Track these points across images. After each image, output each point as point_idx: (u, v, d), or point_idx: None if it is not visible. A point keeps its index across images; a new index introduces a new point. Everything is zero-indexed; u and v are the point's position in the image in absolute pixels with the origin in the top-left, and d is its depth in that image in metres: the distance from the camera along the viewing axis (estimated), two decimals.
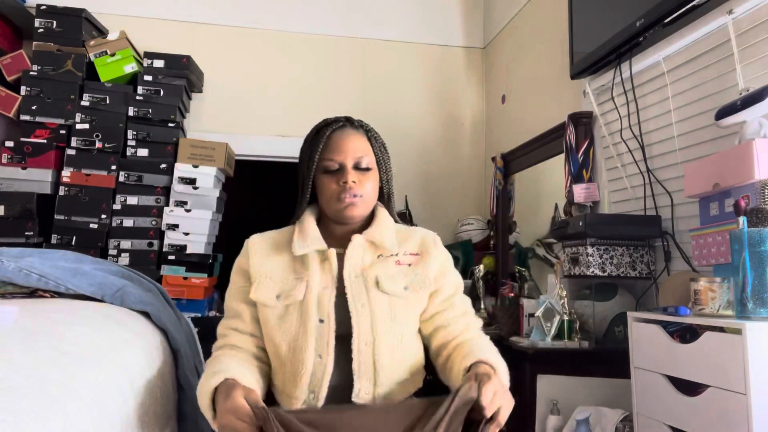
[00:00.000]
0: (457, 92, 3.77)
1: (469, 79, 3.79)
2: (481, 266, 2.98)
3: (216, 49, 3.43)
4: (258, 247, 1.26)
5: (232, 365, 1.09)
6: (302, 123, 1.45)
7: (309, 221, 1.25)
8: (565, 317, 2.08)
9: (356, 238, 1.22)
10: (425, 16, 3.75)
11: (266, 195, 4.63)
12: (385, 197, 1.32)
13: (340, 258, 1.21)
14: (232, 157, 3.19)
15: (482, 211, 3.57)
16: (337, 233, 1.26)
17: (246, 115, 3.44)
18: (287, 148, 3.35)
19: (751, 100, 1.46)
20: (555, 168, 2.67)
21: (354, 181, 1.20)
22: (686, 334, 1.44)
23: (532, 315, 2.23)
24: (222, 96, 3.41)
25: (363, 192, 1.21)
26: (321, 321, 1.14)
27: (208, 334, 1.45)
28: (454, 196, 3.66)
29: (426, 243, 1.27)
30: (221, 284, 2.96)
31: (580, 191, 2.37)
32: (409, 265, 1.22)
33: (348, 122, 1.27)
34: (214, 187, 2.97)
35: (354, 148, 1.22)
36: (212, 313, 2.97)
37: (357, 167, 1.22)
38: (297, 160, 1.32)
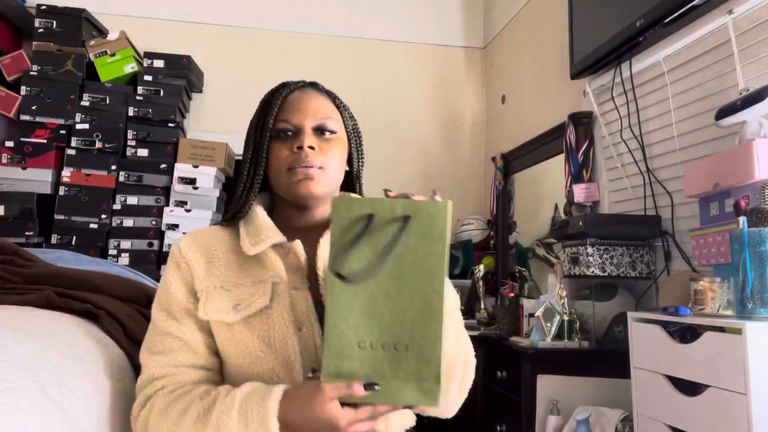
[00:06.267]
0: (457, 92, 3.77)
1: (469, 79, 3.79)
2: (481, 266, 2.99)
3: (216, 49, 3.43)
4: (197, 251, 0.97)
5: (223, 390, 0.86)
6: None
7: (258, 211, 0.99)
8: (565, 317, 2.08)
9: None
10: (425, 16, 3.75)
11: None
12: (354, 178, 1.08)
13: (309, 253, 0.97)
14: (232, 157, 3.19)
15: (482, 211, 3.57)
16: (296, 224, 1.02)
17: (246, 115, 3.37)
18: None
19: (751, 100, 1.46)
20: (555, 168, 2.67)
21: (312, 147, 0.96)
22: (686, 334, 1.44)
23: (532, 315, 2.23)
24: (222, 96, 3.41)
25: (325, 162, 0.96)
26: (300, 330, 0.91)
27: None
28: (454, 197, 3.66)
29: None
30: None
31: (580, 191, 2.37)
32: None
33: (311, 85, 1.05)
34: (214, 187, 2.97)
35: (315, 109, 0.99)
36: None
37: (319, 131, 0.98)
38: None
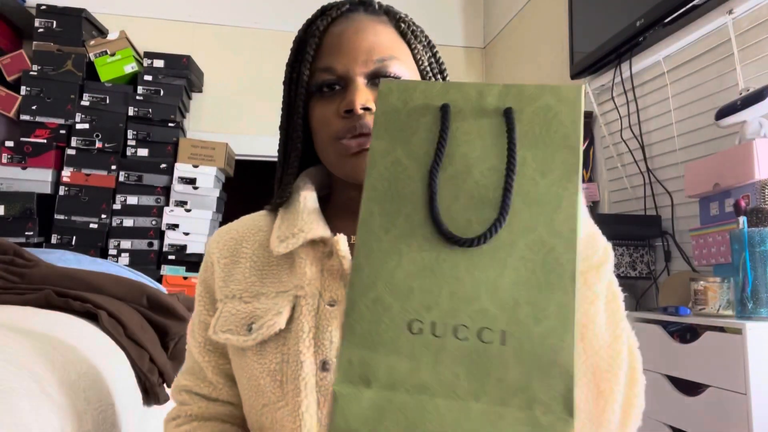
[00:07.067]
0: None
1: (469, 79, 3.79)
2: None
3: (216, 49, 3.43)
4: (224, 247, 0.74)
5: None
6: None
7: (303, 194, 0.72)
8: None
9: None
10: (425, 16, 3.74)
11: (266, 195, 4.63)
12: None
13: None
14: (232, 157, 3.19)
15: None
16: (357, 206, 0.67)
17: (246, 115, 3.44)
18: None
19: (751, 100, 1.46)
20: None
21: (367, 108, 0.66)
22: (686, 334, 1.44)
23: None
24: (222, 96, 3.41)
25: None
26: (324, 366, 0.62)
27: None
28: None
29: None
30: None
31: None
32: None
33: (361, 7, 0.72)
34: (214, 187, 2.97)
35: (370, 46, 0.68)
36: None
37: (377, 77, 0.68)
38: None
